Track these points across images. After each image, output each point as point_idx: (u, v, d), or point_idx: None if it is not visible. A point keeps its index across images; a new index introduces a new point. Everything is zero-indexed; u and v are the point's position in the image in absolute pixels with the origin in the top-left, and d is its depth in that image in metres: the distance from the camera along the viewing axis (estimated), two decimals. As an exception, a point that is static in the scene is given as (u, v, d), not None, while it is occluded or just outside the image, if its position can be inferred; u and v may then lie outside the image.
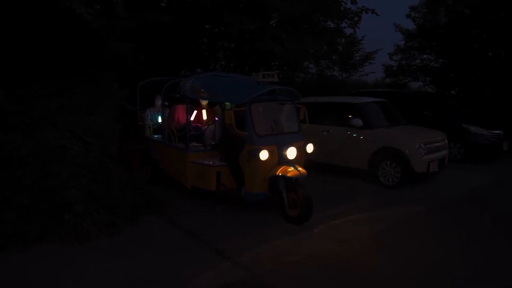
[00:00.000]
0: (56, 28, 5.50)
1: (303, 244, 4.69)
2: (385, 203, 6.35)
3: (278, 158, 5.38)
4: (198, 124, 7.07)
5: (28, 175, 4.65)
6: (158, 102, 7.63)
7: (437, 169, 7.33)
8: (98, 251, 4.38)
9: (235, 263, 4.13)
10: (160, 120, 7.60)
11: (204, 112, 7.38)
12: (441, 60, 16.49)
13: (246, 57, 12.43)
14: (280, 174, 5.23)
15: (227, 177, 5.82)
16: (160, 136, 7.31)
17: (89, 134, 5.46)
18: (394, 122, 8.06)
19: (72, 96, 5.62)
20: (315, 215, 5.30)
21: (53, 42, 5.62)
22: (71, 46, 5.90)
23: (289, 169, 5.24)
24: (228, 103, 7.24)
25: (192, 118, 6.94)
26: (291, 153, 5.42)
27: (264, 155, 5.19)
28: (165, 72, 9.86)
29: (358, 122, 7.51)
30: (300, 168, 5.31)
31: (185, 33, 11.60)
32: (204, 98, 6.85)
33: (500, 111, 12.03)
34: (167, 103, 7.24)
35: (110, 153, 5.70)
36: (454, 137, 9.10)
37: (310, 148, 5.85)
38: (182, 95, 6.40)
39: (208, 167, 5.85)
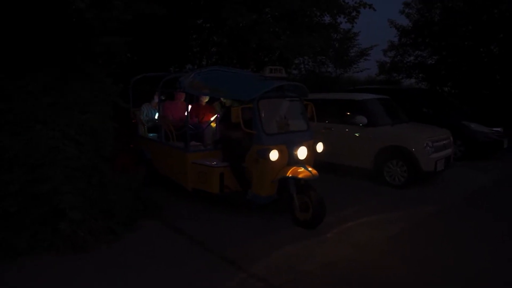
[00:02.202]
0: (46, 18, 5.08)
1: (317, 251, 4.41)
2: (395, 204, 6.11)
3: (288, 159, 5.07)
4: (197, 122, 6.73)
5: (16, 179, 4.23)
6: (156, 99, 7.26)
7: (443, 168, 7.13)
8: (96, 262, 4.01)
9: (251, 275, 3.81)
10: (156, 116, 7.22)
11: (203, 109, 7.04)
12: (435, 57, 16.41)
13: (240, 52, 12.09)
14: (290, 175, 4.92)
15: (231, 178, 5.47)
16: (155, 134, 6.92)
17: (81, 134, 5.05)
18: (398, 119, 7.82)
19: (63, 92, 5.21)
20: (326, 218, 5.01)
21: (42, 34, 5.19)
22: (61, 38, 5.50)
23: (300, 170, 4.94)
24: (227, 100, 6.92)
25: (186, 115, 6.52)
26: (302, 153, 5.13)
27: (274, 155, 4.87)
28: (154, 69, 9.47)
29: (363, 119, 7.24)
30: (311, 169, 5.02)
31: (176, 28, 11.22)
32: (206, 94, 6.50)
33: (496, 108, 11.97)
34: (163, 98, 6.90)
35: (104, 154, 5.31)
36: (454, 135, 8.92)
37: (320, 147, 5.57)
38: (182, 91, 6.04)
39: (211, 168, 5.48)
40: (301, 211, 4.97)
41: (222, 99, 6.93)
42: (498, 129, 9.52)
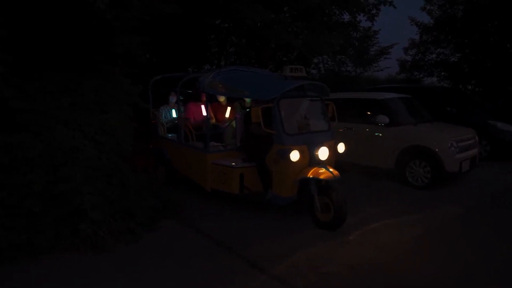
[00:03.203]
0: (66, 19, 5.12)
1: (340, 252, 4.31)
2: (418, 205, 5.94)
3: (309, 159, 5.00)
4: (216, 122, 6.71)
5: (39, 179, 4.26)
6: (173, 99, 7.30)
7: (468, 169, 6.91)
8: (115, 262, 4.01)
9: (273, 277, 3.73)
10: (174, 115, 7.23)
11: (222, 109, 7.00)
12: (458, 54, 15.99)
13: (258, 52, 12.03)
14: (311, 176, 4.84)
15: (251, 179, 5.41)
16: (174, 135, 6.93)
17: (101, 134, 5.07)
18: (421, 119, 7.61)
19: (83, 93, 5.24)
20: (348, 219, 4.89)
21: (62, 34, 5.24)
22: (81, 39, 5.53)
23: (321, 171, 4.86)
24: (248, 100, 6.88)
25: (205, 115, 6.51)
26: (323, 153, 5.04)
27: (295, 155, 4.80)
28: (172, 69, 9.49)
29: (384, 119, 7.08)
30: (332, 170, 4.93)
31: (194, 28, 11.22)
32: (226, 94, 6.47)
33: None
34: (181, 98, 6.91)
35: (124, 154, 5.32)
36: (479, 134, 8.65)
37: (341, 147, 5.47)
38: (201, 91, 6.00)
39: (231, 168, 5.44)
40: (322, 212, 4.88)
41: (244, 99, 6.89)
42: (526, 128, 9.18)
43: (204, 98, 6.85)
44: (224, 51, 14.25)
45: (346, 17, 12.46)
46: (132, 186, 4.97)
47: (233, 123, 6.30)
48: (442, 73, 16.79)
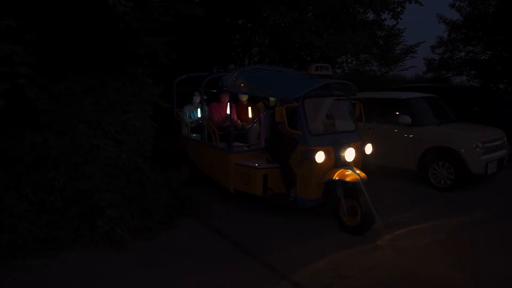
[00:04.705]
0: (88, 22, 5.28)
1: (368, 259, 4.14)
2: (446, 209, 5.72)
3: (335, 160, 4.85)
4: (240, 122, 6.62)
5: (61, 176, 4.43)
6: (197, 99, 7.26)
7: (495, 170, 6.67)
8: (132, 259, 4.10)
9: (293, 283, 3.63)
10: (199, 115, 7.16)
11: (245, 109, 6.95)
12: (489, 52, 15.44)
13: (282, 52, 12.00)
14: (337, 178, 4.69)
15: (274, 180, 5.30)
16: (198, 135, 6.91)
17: (122, 133, 5.21)
18: (445, 119, 7.41)
19: (105, 93, 5.39)
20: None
21: (85, 36, 5.40)
22: (103, 40, 5.69)
23: (347, 173, 4.71)
24: (273, 99, 6.82)
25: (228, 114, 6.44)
26: (349, 154, 4.89)
27: (320, 157, 4.64)
28: (197, 69, 9.59)
29: (407, 119, 6.92)
30: (359, 172, 4.77)
31: (218, 29, 11.32)
32: (250, 93, 6.41)
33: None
34: (205, 97, 6.86)
35: (144, 153, 5.44)
36: (509, 135, 8.32)
37: (369, 149, 5.28)
38: (225, 90, 5.94)
39: (254, 169, 5.33)
40: (348, 215, 4.72)
41: (269, 98, 6.84)
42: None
43: (224, 99, 6.84)
44: (248, 51, 14.30)
45: (371, 15, 12.27)
46: (150, 185, 5.06)
47: (257, 123, 6.23)
48: (472, 72, 16.25)
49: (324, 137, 4.93)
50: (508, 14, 13.40)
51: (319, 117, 5.18)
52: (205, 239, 4.69)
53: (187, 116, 7.28)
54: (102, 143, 4.72)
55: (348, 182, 4.67)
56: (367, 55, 15.73)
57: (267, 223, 5.16)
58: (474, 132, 6.81)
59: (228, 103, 6.52)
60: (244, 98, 7.12)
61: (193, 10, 7.01)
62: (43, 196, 4.36)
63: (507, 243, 4.55)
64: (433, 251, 4.33)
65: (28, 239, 4.07)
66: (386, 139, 7.22)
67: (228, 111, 6.60)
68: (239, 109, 7.10)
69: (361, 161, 5.20)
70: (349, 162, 4.90)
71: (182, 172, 6.87)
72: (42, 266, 3.92)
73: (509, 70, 14.63)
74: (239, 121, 6.90)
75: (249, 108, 7.15)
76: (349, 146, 4.93)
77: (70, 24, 5.29)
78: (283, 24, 10.52)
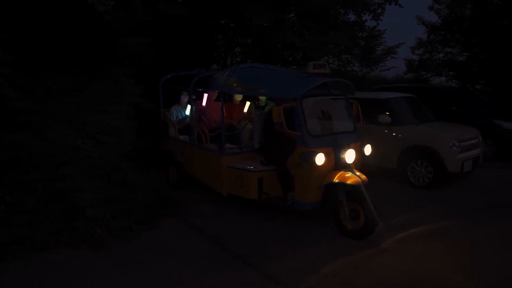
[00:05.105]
0: (68, 21, 5.23)
1: (376, 265, 3.99)
2: (439, 209, 5.70)
3: (335, 162, 4.67)
4: (232, 122, 6.35)
5: (40, 176, 4.38)
6: (185, 98, 7.04)
7: (471, 169, 6.86)
8: (113, 260, 4.08)
9: None
10: (188, 112, 6.83)
11: (238, 109, 6.71)
12: (466, 54, 15.84)
13: (264, 52, 12.06)
14: (338, 181, 4.53)
15: (270, 183, 5.09)
16: (186, 136, 6.64)
17: (103, 133, 5.17)
18: (424, 118, 7.58)
19: (86, 92, 5.35)
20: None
21: (64, 35, 5.34)
22: (84, 40, 5.64)
23: (348, 175, 4.56)
24: (263, 99, 6.68)
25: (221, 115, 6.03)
26: (350, 156, 4.73)
27: (320, 159, 4.47)
28: (180, 69, 9.55)
29: (386, 118, 7.06)
30: (359, 174, 4.64)
31: (200, 29, 11.31)
32: (244, 93, 6.17)
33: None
34: (194, 97, 6.54)
35: (125, 153, 5.41)
36: (485, 134, 8.58)
37: (368, 150, 5.16)
38: (216, 89, 5.68)
39: (248, 172, 5.11)
40: (350, 219, 4.56)
41: (259, 98, 6.65)
42: (532, 128, 9.08)
43: (213, 97, 6.62)
44: (230, 51, 14.32)
45: (352, 16, 12.45)
46: (132, 185, 5.05)
47: (249, 123, 6.02)
48: (450, 73, 16.64)
49: (323, 138, 4.76)
50: (483, 18, 13.77)
51: (318, 117, 5.03)
52: (187, 239, 4.68)
53: (174, 116, 7.06)
54: (83, 143, 4.69)
55: (349, 185, 4.50)
56: (349, 56, 15.97)
57: (258, 225, 5.06)
58: (451, 132, 6.99)
59: (219, 103, 6.17)
60: (239, 97, 6.84)
61: (175, 10, 7.01)
62: (22, 197, 4.30)
63: (507, 243, 4.58)
64: (439, 253, 4.27)
65: (6, 240, 4.01)
66: (368, 138, 7.32)
67: (219, 112, 6.17)
68: (232, 109, 6.82)
69: (360, 162, 5.05)
70: (349, 164, 4.75)
71: (169, 175, 6.74)
72: (20, 267, 3.87)
73: (485, 72, 15.03)
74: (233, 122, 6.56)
75: (246, 106, 6.68)
76: (349, 147, 4.76)
77: (49, 24, 5.23)
78: (265, 24, 10.59)
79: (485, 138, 8.60)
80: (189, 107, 6.80)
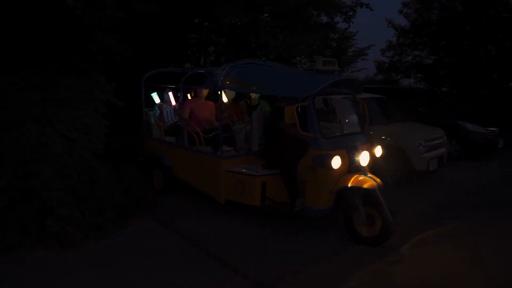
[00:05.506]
0: (39, 16, 5.10)
1: (401, 273, 3.80)
2: (421, 209, 5.76)
3: (348, 165, 4.43)
4: (228, 122, 6.01)
5: (6, 174, 4.26)
6: (169, 97, 6.62)
7: (436, 168, 7.13)
8: (84, 259, 4.02)
9: None
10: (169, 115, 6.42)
11: (228, 108, 6.37)
12: (433, 57, 16.40)
13: (237, 51, 12.10)
14: (353, 185, 4.26)
15: (274, 188, 4.75)
16: (173, 137, 6.22)
17: (73, 131, 5.08)
18: (392, 119, 7.81)
19: (55, 89, 5.24)
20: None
21: (35, 31, 5.22)
22: (53, 36, 5.52)
23: (362, 178, 4.31)
24: (256, 97, 6.43)
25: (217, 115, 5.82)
26: (364, 158, 4.49)
27: (336, 162, 4.20)
28: (153, 66, 9.45)
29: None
30: (373, 177, 4.39)
31: (174, 27, 11.23)
32: (246, 91, 5.80)
33: (494, 108, 11.95)
34: (179, 95, 6.26)
35: (96, 151, 5.33)
36: (450, 134, 8.93)
37: (379, 151, 4.93)
38: (213, 87, 5.25)
39: (251, 177, 4.76)
40: (366, 225, 4.31)
41: (252, 96, 6.37)
42: (494, 128, 9.53)
43: (204, 95, 6.12)
44: (204, 50, 14.26)
45: (324, 18, 12.64)
46: (102, 183, 4.97)
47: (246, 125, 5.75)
48: (418, 75, 17.18)
49: (337, 140, 4.52)
50: (449, 23, 14.32)
51: (329, 118, 4.80)
52: (160, 238, 4.65)
53: (165, 117, 6.54)
54: (52, 140, 4.59)
55: (365, 189, 4.26)
56: (321, 57, 16.20)
57: (259, 232, 4.81)
58: (417, 131, 7.25)
59: (211, 102, 6.06)
60: (229, 96, 6.47)
61: (147, 7, 6.94)
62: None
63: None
64: (466, 262, 4.11)
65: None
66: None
67: (211, 111, 6.06)
68: (224, 108, 6.13)
69: (371, 165, 4.78)
70: (363, 167, 4.52)
71: (154, 180, 6.30)
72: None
73: (451, 75, 15.62)
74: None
75: (224, 98, 6.24)
76: (362, 149, 4.53)
77: (18, 18, 5.09)
78: (239, 24, 10.62)
79: (450, 138, 8.99)
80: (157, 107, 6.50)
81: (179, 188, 6.06)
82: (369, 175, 4.44)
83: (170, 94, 6.33)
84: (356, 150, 4.50)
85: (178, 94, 6.28)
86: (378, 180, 4.38)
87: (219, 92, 5.28)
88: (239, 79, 5.05)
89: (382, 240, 4.27)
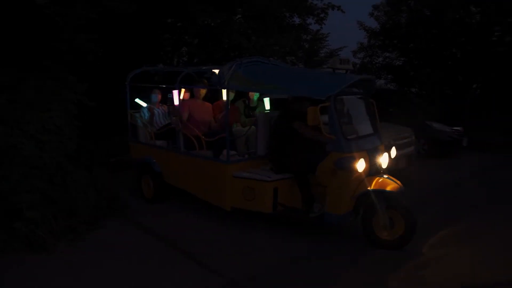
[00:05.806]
0: (4, 15, 4.97)
1: (430, 277, 3.75)
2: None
3: (369, 168, 4.27)
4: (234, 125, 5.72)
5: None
6: (156, 97, 6.30)
7: (405, 166, 7.37)
8: (57, 262, 3.94)
9: None
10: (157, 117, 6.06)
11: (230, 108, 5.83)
12: (402, 59, 16.87)
13: (210, 52, 12.09)
14: (375, 188, 4.11)
15: (286, 194, 4.56)
16: (164, 141, 5.88)
17: (43, 132, 4.97)
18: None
19: (23, 90, 5.11)
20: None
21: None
22: (21, 35, 5.38)
23: (384, 181, 4.21)
24: (255, 98, 6.17)
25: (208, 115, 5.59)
26: (385, 160, 4.38)
27: (361, 165, 4.05)
28: (126, 67, 9.32)
29: (325, 118, 7.36)
30: (395, 179, 4.28)
31: (147, 27, 11.12)
32: (256, 90, 5.50)
33: (459, 108, 12.46)
34: (170, 96, 5.92)
35: (68, 153, 5.24)
36: (418, 134, 9.23)
37: (394, 152, 4.81)
38: (221, 86, 4.85)
39: (262, 182, 4.51)
40: (385, 229, 4.18)
41: (251, 97, 6.11)
42: (459, 128, 9.95)
43: (202, 95, 5.80)
44: (177, 50, 14.18)
45: (297, 20, 12.80)
46: (75, 185, 4.90)
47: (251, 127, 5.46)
48: (389, 76, 17.62)
49: (358, 142, 4.35)
50: (417, 26, 14.79)
51: (348, 119, 4.64)
52: (133, 238, 4.62)
53: (157, 119, 6.20)
54: (20, 142, 4.48)
55: (387, 192, 4.14)
56: (293, 58, 16.38)
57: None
58: (386, 130, 7.43)
59: (208, 103, 5.78)
60: (230, 96, 5.91)
61: (120, 7, 6.86)
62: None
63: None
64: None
65: None
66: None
67: (209, 112, 5.78)
68: (221, 109, 5.87)
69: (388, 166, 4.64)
70: (383, 169, 4.42)
71: (142, 187, 5.93)
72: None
73: (420, 76, 16.12)
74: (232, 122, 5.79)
75: (233, 108, 5.96)
76: (382, 151, 4.44)
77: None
78: (212, 24, 10.62)
79: (418, 137, 9.30)
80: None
81: (170, 195, 5.77)
82: (389, 177, 4.35)
83: (175, 93, 5.49)
84: (376, 152, 4.41)
85: (169, 95, 5.96)
86: (399, 182, 4.29)
87: (223, 92, 4.99)
88: (247, 78, 4.74)
89: (404, 243, 4.15)
